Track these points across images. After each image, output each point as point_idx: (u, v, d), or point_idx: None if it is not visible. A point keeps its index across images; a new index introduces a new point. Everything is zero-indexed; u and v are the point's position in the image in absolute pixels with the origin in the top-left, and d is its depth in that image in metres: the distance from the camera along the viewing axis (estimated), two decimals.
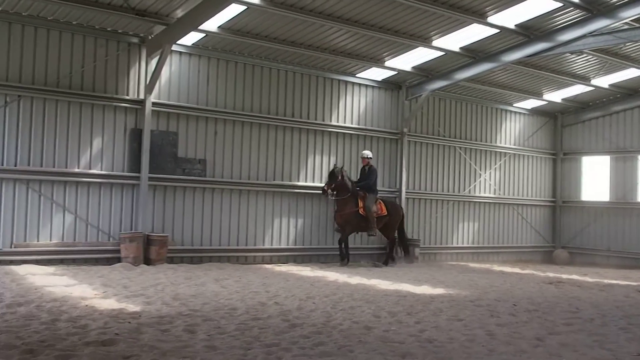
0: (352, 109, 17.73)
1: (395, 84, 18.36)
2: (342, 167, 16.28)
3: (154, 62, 14.15)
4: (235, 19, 13.61)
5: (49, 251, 13.15)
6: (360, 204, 16.07)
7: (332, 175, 15.98)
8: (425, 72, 17.46)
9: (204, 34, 14.28)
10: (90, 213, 13.73)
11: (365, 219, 16.07)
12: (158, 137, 14.49)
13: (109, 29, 13.93)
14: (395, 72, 17.44)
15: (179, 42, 14.15)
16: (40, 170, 13.14)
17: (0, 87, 12.76)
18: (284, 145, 16.40)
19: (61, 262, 13.21)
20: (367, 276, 13.51)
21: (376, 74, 17.66)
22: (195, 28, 13.34)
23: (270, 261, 15.98)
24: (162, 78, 14.50)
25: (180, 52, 14.87)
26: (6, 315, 7.22)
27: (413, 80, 18.14)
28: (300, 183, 16.64)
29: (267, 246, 16.06)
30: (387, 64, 16.72)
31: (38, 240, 13.14)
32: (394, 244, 17.09)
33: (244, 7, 12.96)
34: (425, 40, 15.13)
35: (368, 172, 16.57)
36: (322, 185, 16.28)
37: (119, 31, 14.07)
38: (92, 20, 13.50)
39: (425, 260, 18.58)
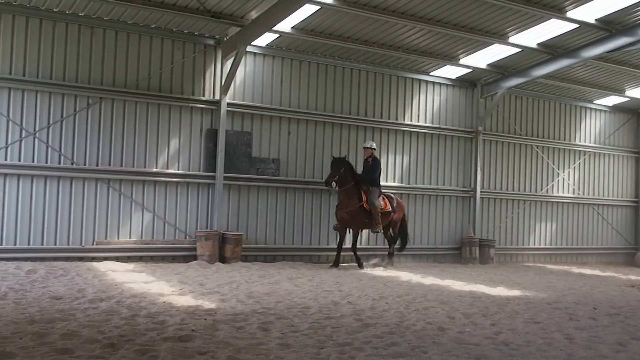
0: (425, 107, 17.57)
1: (470, 82, 18.09)
2: (345, 156, 14.95)
3: (229, 63, 14.40)
4: (308, 19, 13.69)
5: (129, 248, 13.56)
6: (364, 197, 14.48)
7: (336, 164, 14.36)
8: (501, 69, 17.10)
9: (277, 35, 14.42)
10: (167, 211, 14.07)
11: (369, 215, 14.50)
12: (233, 137, 14.73)
13: (185, 31, 14.25)
14: (470, 70, 17.17)
15: (253, 43, 14.32)
16: (120, 170, 13.56)
17: (83, 89, 13.25)
18: (357, 145, 16.37)
19: (140, 259, 13.60)
20: (440, 277, 13.36)
21: (450, 72, 17.43)
22: (269, 29, 13.48)
23: (343, 261, 15.97)
24: (237, 79, 14.73)
25: (255, 53, 15.07)
26: (89, 310, 7.47)
27: (488, 77, 17.81)
28: None
29: None
30: (461, 61, 16.47)
31: (118, 238, 13.56)
32: (394, 242, 15.82)
33: (318, 7, 13.01)
34: (501, 37, 14.82)
35: (371, 165, 14.90)
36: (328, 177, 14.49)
37: (195, 33, 14.38)
38: (170, 23, 13.84)
39: (500, 261, 18.24)
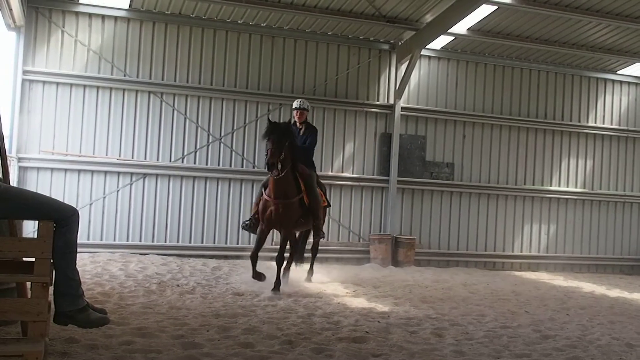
0: (611, 108, 16.50)
1: None
2: (290, 121, 9.72)
3: (403, 67, 14.43)
4: (485, 19, 13.36)
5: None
6: (302, 186, 9.39)
7: (279, 135, 8.82)
8: None
9: (452, 37, 14.21)
10: (342, 214, 14.36)
11: (306, 212, 9.51)
12: (407, 141, 14.73)
13: (361, 37, 14.48)
14: None
15: (427, 46, 14.25)
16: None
17: (264, 96, 13.89)
18: (535, 148, 15.76)
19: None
20: (628, 289, 12.47)
21: None
22: (444, 32, 13.35)
23: (520, 268, 15.44)
24: (411, 82, 14.72)
25: (429, 56, 14.97)
26: (268, 307, 7.80)
27: None
28: (553, 188, 15.87)
29: (516, 252, 15.55)
30: None
31: None
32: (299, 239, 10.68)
33: (495, 7, 12.66)
34: None
35: (305, 134, 10.12)
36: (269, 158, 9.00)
37: (371, 39, 14.56)
38: (346, 30, 14.13)
39: None
